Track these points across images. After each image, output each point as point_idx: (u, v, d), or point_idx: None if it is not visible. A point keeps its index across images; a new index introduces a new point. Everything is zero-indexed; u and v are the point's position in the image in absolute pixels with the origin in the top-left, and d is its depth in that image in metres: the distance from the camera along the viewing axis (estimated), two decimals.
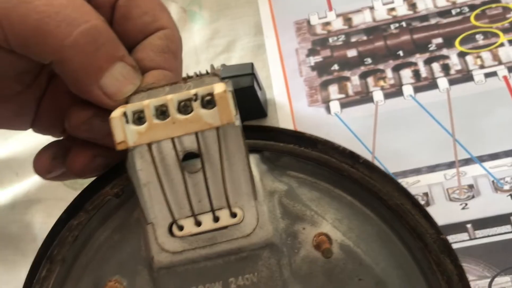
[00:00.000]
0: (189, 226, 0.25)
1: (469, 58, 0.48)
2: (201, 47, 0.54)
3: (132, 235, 0.27)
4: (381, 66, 0.49)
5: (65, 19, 0.23)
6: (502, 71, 0.46)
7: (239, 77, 0.44)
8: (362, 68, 0.49)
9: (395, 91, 0.47)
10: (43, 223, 0.48)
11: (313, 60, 0.51)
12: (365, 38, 0.51)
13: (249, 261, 0.26)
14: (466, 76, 0.47)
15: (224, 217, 0.25)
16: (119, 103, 0.25)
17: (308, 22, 0.53)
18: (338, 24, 0.52)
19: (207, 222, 0.25)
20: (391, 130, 0.46)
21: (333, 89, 0.49)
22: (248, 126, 0.27)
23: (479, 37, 0.48)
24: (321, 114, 0.48)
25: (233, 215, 0.25)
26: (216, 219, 0.25)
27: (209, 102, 0.23)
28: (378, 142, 0.45)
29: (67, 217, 0.28)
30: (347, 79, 0.49)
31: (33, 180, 0.50)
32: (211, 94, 0.23)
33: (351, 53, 0.50)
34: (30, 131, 0.52)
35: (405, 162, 0.44)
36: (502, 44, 0.47)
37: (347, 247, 0.26)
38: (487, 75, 0.46)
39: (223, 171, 0.25)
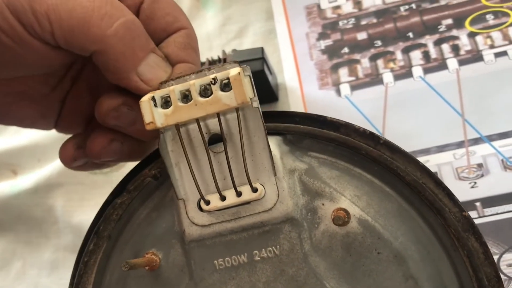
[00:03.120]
0: (215, 201, 0.28)
1: (479, 38, 0.48)
2: (214, 33, 0.55)
3: (167, 212, 0.30)
4: (391, 48, 0.49)
5: (106, 13, 0.26)
6: None
7: (249, 62, 0.44)
8: (372, 51, 0.50)
9: (404, 73, 0.48)
10: (64, 206, 0.50)
11: (323, 43, 0.51)
12: (375, 20, 0.51)
13: (271, 234, 0.28)
14: (476, 57, 0.47)
15: (246, 192, 0.27)
16: (152, 89, 0.27)
17: (319, 6, 0.54)
18: (348, 7, 0.53)
19: (231, 197, 0.27)
20: (401, 111, 0.46)
21: (343, 72, 0.49)
22: (272, 112, 0.29)
23: (489, 17, 0.48)
24: (331, 97, 0.49)
25: (255, 190, 0.27)
26: (239, 194, 0.27)
27: (226, 85, 0.26)
28: (388, 124, 0.46)
29: (112, 198, 0.31)
30: (357, 61, 0.50)
31: (54, 166, 0.52)
32: (228, 78, 0.25)
33: (361, 36, 0.51)
34: None
35: (414, 142, 0.45)
36: None
37: (365, 221, 0.27)
38: (497, 55, 0.46)
39: (243, 149, 0.27)
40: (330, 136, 0.28)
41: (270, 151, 0.27)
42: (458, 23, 0.49)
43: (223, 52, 0.48)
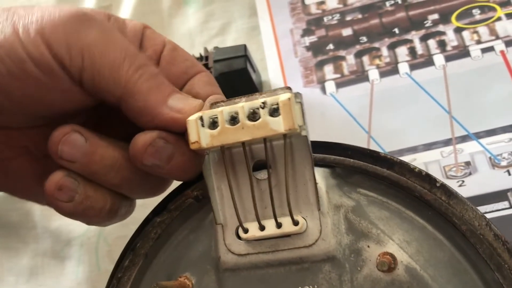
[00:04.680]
0: (253, 229, 0.27)
1: (465, 34, 0.47)
2: (196, 30, 0.54)
3: (205, 236, 0.29)
4: (376, 44, 0.48)
5: (134, 62, 0.28)
6: (499, 45, 0.45)
7: (232, 59, 0.43)
8: (358, 47, 0.49)
9: (390, 69, 0.47)
10: (42, 210, 0.48)
11: (308, 40, 0.50)
12: (360, 16, 0.50)
13: (310, 273, 0.26)
14: (462, 52, 0.46)
15: (287, 224, 0.26)
16: (187, 116, 0.27)
17: (303, 1, 0.53)
18: (332, 3, 0.52)
19: (270, 227, 0.26)
20: (387, 108, 0.45)
21: (328, 69, 0.48)
22: (323, 142, 0.28)
23: (475, 11, 0.48)
24: (316, 95, 0.48)
25: (296, 223, 0.26)
26: (279, 225, 0.26)
27: (275, 110, 0.25)
28: (374, 121, 0.45)
29: (153, 216, 0.30)
30: (343, 58, 0.49)
31: None
32: (278, 103, 0.25)
33: (346, 32, 0.50)
34: None
35: (401, 140, 0.44)
36: (499, 18, 0.47)
37: (413, 270, 0.26)
38: (484, 50, 0.46)
39: (286, 178, 0.26)
40: (382, 174, 0.27)
41: (316, 184, 0.26)
42: (445, 18, 0.48)
43: (205, 49, 0.46)
